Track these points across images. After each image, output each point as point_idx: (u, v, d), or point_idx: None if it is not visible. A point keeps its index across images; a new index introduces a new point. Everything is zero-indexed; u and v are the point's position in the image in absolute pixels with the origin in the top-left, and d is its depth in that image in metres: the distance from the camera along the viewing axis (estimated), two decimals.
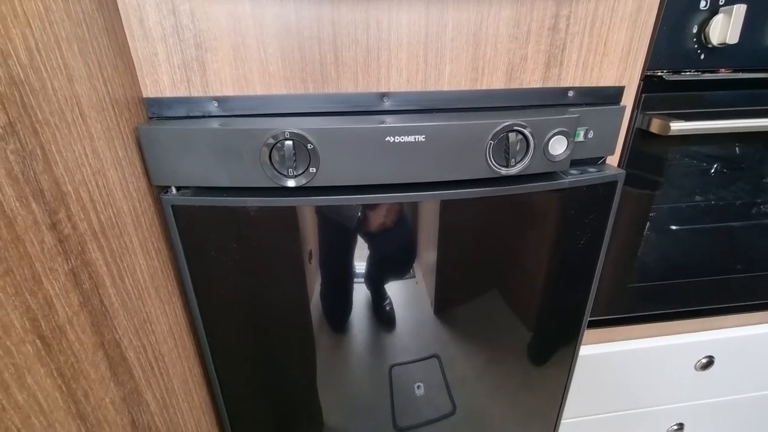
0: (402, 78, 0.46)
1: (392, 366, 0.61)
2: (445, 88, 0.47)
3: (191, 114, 0.45)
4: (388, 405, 0.64)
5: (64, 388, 0.29)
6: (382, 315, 0.55)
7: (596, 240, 0.54)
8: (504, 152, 0.43)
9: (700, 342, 0.72)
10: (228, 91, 0.44)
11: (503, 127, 0.42)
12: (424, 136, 0.41)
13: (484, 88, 0.48)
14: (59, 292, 0.29)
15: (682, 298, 0.69)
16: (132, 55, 0.41)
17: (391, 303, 0.55)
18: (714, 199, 0.65)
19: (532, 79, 0.48)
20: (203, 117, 0.45)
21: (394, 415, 0.65)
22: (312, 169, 0.41)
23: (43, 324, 0.27)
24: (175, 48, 0.42)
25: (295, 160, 0.40)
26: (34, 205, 0.27)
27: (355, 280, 0.52)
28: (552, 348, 0.64)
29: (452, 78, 0.47)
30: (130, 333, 0.38)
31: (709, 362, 0.74)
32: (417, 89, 0.47)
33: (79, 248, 0.32)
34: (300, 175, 0.41)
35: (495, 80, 0.48)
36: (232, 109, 0.45)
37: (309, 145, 0.40)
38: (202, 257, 0.46)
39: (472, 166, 0.43)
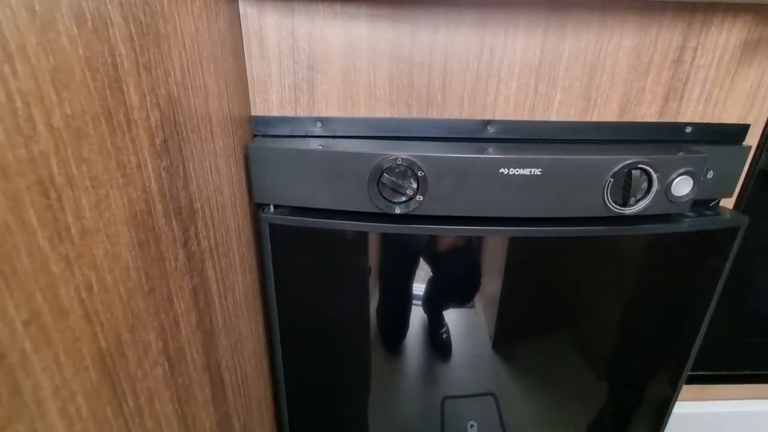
0: (509, 106, 0.44)
1: (445, 398, 0.57)
2: (553, 117, 0.45)
3: (294, 133, 0.45)
4: None
5: (179, 413, 0.28)
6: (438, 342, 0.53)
7: (707, 290, 0.49)
8: (623, 190, 0.40)
9: None
10: (332, 112, 0.44)
11: (626, 165, 0.39)
12: (540, 169, 0.38)
13: (594, 119, 0.45)
14: (184, 311, 0.28)
15: None
16: (247, 74, 0.42)
17: (448, 331, 0.53)
18: None
19: (647, 112, 0.45)
20: (306, 137, 0.45)
21: None
22: (419, 197, 0.39)
23: (171, 344, 0.27)
24: (288, 69, 0.42)
25: (403, 187, 0.38)
26: (174, 222, 0.27)
27: (425, 304, 0.50)
28: (640, 404, 0.58)
29: (561, 108, 0.45)
30: (227, 354, 0.37)
31: None
32: (523, 118, 0.45)
33: (200, 266, 0.31)
34: (407, 201, 0.39)
35: (607, 112, 0.45)
36: (334, 129, 0.45)
37: (419, 172, 0.38)
38: (289, 276, 0.46)
39: (586, 203, 0.40)
